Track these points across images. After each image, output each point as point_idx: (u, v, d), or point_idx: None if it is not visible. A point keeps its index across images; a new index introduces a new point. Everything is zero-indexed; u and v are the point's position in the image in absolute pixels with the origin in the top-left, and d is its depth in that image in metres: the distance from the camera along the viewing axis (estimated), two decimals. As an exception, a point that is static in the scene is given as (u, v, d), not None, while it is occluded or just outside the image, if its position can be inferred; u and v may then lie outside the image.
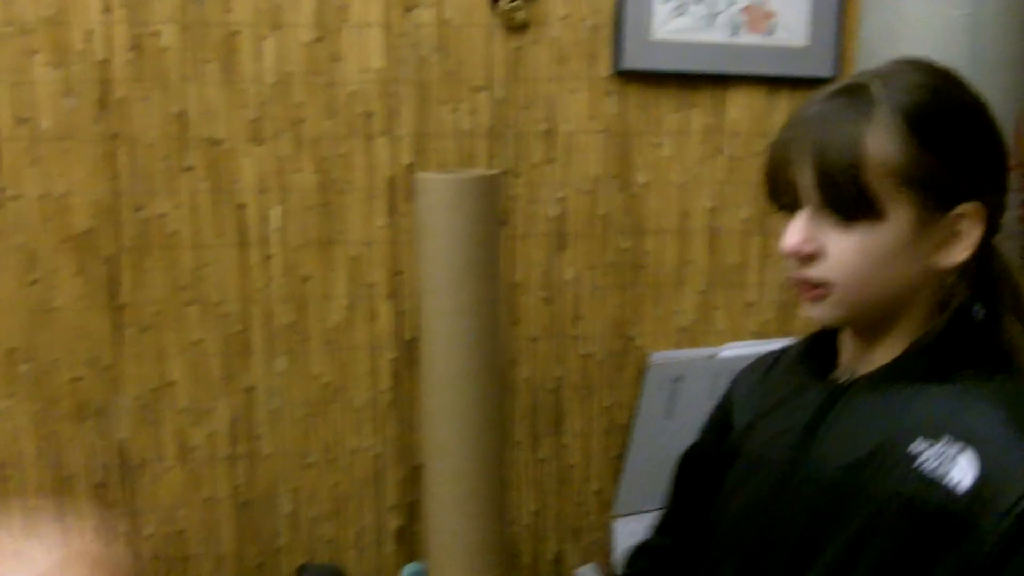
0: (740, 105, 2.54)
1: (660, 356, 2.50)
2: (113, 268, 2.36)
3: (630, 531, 2.52)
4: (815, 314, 1.11)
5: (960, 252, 1.08)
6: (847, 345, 1.17)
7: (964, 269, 1.09)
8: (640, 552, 1.44)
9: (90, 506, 2.44)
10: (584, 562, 2.66)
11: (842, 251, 1.06)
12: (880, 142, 1.03)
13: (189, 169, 2.36)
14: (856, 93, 1.06)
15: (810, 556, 1.07)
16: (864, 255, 1.05)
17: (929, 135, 1.04)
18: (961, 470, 1.00)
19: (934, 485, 1.01)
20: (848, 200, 1.04)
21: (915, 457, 1.02)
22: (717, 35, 2.48)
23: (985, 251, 1.10)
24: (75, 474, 2.43)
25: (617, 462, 2.61)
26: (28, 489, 2.41)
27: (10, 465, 2.39)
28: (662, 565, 1.39)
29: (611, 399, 2.62)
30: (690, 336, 2.61)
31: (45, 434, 2.40)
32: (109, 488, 2.45)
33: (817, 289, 1.09)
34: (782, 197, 1.11)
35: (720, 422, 1.33)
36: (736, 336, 2.61)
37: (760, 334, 2.61)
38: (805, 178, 1.06)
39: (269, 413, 2.48)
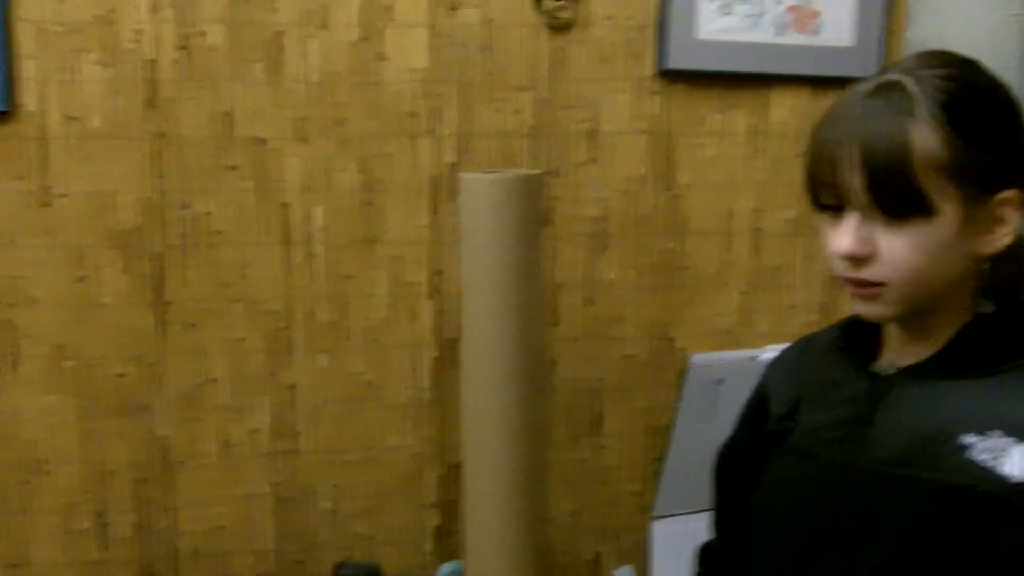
0: (784, 106, 2.53)
1: (700, 358, 2.49)
2: (158, 266, 2.38)
3: (668, 533, 2.51)
4: (870, 313, 1.12)
5: (1003, 238, 1.10)
6: (890, 335, 1.18)
7: (1002, 255, 1.10)
8: (703, 555, 1.45)
9: (131, 502, 2.47)
10: (621, 563, 2.66)
11: (895, 250, 1.07)
12: (925, 139, 1.04)
13: (234, 168, 2.38)
14: (893, 91, 1.06)
15: (866, 546, 1.09)
16: (917, 252, 1.06)
17: (968, 126, 1.05)
18: (1013, 462, 1.02)
19: (988, 475, 1.03)
20: (899, 200, 1.05)
21: (967, 448, 1.05)
22: (762, 35, 2.47)
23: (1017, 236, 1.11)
24: (116, 470, 2.45)
25: (656, 464, 2.60)
26: (70, 484, 2.43)
27: (53, 460, 2.42)
28: (722, 566, 1.40)
29: (651, 400, 2.62)
30: (732, 338, 2.60)
31: (88, 430, 2.42)
32: (150, 484, 2.47)
33: (871, 288, 1.09)
34: (826, 199, 1.11)
35: (756, 412, 1.33)
36: (778, 338, 2.59)
37: (802, 336, 2.59)
38: (853, 181, 1.07)
39: (310, 410, 2.49)
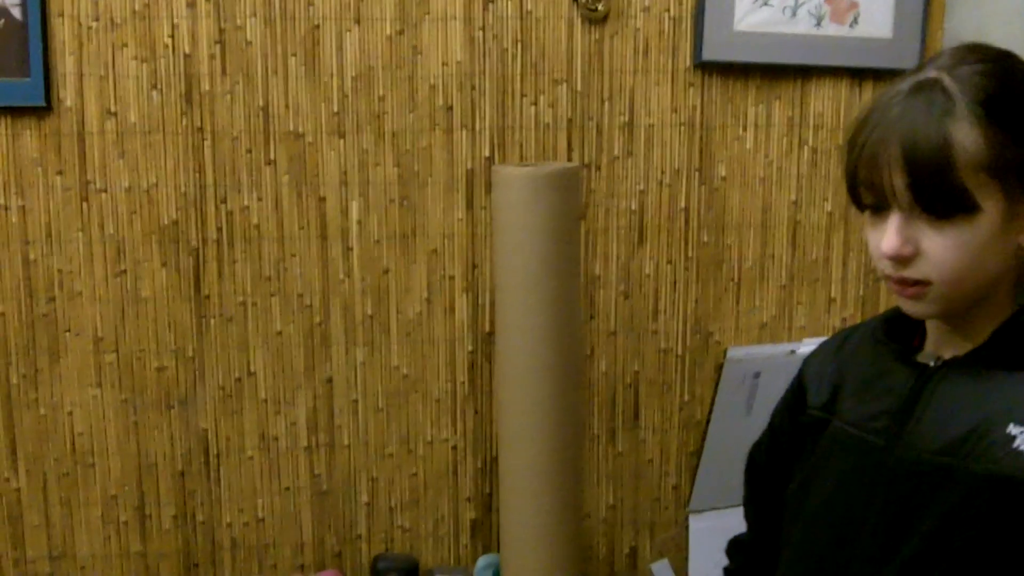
0: (823, 97, 2.51)
1: (738, 351, 2.48)
2: (198, 260, 2.40)
3: (705, 527, 2.51)
4: (915, 311, 1.13)
5: None
6: (932, 328, 1.17)
7: None
8: (734, 548, 1.45)
9: (172, 494, 2.49)
10: (659, 557, 2.65)
11: (938, 249, 1.07)
12: (966, 138, 1.04)
13: (272, 162, 2.39)
14: (931, 90, 1.06)
15: (904, 535, 1.09)
16: (961, 251, 1.07)
17: (1009, 121, 1.06)
18: None
19: None
20: (942, 200, 1.05)
21: (1012, 440, 1.04)
22: (800, 26, 2.45)
23: None
24: (158, 462, 2.47)
25: (694, 458, 2.60)
26: (112, 476, 2.46)
27: (95, 452, 2.44)
28: (753, 559, 1.40)
29: (689, 394, 2.61)
30: (770, 332, 2.59)
31: (129, 423, 2.45)
32: (191, 476, 2.49)
33: (916, 287, 1.09)
34: (868, 199, 1.11)
35: (792, 404, 1.33)
36: (816, 332, 2.57)
37: (841, 330, 2.58)
38: (896, 181, 1.06)
39: (348, 404, 2.50)
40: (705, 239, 2.54)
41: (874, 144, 1.08)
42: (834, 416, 1.23)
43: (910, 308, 1.12)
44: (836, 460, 1.20)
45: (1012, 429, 1.05)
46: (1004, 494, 1.03)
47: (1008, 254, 1.09)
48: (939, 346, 1.17)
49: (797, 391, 1.33)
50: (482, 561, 2.57)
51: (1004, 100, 1.06)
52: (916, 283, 1.09)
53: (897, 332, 1.22)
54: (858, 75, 2.51)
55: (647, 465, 2.64)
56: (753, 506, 1.43)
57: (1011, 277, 1.12)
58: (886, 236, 1.08)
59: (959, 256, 1.06)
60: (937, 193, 1.05)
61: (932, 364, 1.15)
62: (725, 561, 1.49)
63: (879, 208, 1.10)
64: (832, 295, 2.59)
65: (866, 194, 1.11)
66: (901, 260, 1.08)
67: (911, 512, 1.09)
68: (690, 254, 2.54)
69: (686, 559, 2.57)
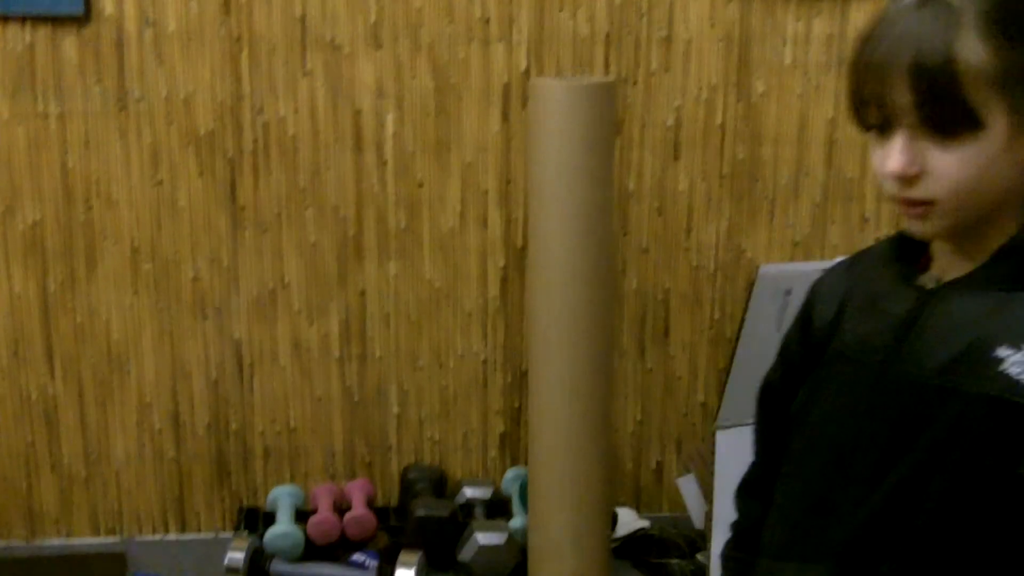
0: (864, 12, 2.47)
1: (770, 268, 2.47)
2: (234, 169, 2.41)
3: (733, 443, 2.53)
4: (921, 230, 1.12)
5: None
6: (938, 249, 1.17)
7: None
8: (741, 493, 1.43)
9: (205, 401, 2.52)
10: (685, 472, 2.68)
11: (944, 168, 1.06)
12: (973, 52, 1.02)
13: (309, 73, 2.38)
14: (937, 3, 1.04)
15: (897, 454, 1.10)
16: (967, 168, 1.05)
17: (1016, 34, 1.03)
18: None
19: (1020, 388, 1.02)
20: (950, 116, 1.03)
21: (1001, 361, 1.04)
22: (843, -60, 2.40)
23: None
24: (192, 369, 2.50)
25: (723, 374, 2.61)
26: (147, 382, 2.49)
27: (131, 359, 2.48)
28: (763, 500, 1.39)
29: (720, 311, 2.61)
30: (803, 250, 2.58)
31: (164, 330, 2.47)
32: (224, 384, 2.52)
33: (922, 207, 1.08)
34: (872, 117, 1.09)
35: (802, 324, 1.33)
36: (850, 250, 2.56)
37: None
38: (901, 98, 1.05)
39: (380, 315, 2.52)
40: (740, 155, 2.52)
41: (879, 61, 1.06)
42: (836, 334, 1.24)
43: (916, 228, 1.11)
44: (835, 379, 1.21)
45: (1000, 351, 1.04)
46: (994, 415, 1.03)
47: (1015, 171, 1.07)
48: (943, 267, 1.16)
49: (806, 312, 1.33)
50: (510, 473, 2.61)
51: (1011, 12, 1.03)
52: (922, 202, 1.09)
53: (906, 252, 1.22)
54: (900, -9, 2.46)
55: (676, 381, 2.66)
56: (765, 432, 1.42)
57: (1017, 196, 1.11)
58: (891, 155, 1.07)
59: (964, 174, 1.05)
60: (943, 110, 1.03)
61: (931, 286, 1.15)
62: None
63: (884, 127, 1.09)
64: (866, 214, 2.58)
65: (871, 113, 1.09)
66: (907, 180, 1.08)
67: (905, 432, 1.09)
68: (725, 170, 2.53)
69: (712, 474, 2.60)
